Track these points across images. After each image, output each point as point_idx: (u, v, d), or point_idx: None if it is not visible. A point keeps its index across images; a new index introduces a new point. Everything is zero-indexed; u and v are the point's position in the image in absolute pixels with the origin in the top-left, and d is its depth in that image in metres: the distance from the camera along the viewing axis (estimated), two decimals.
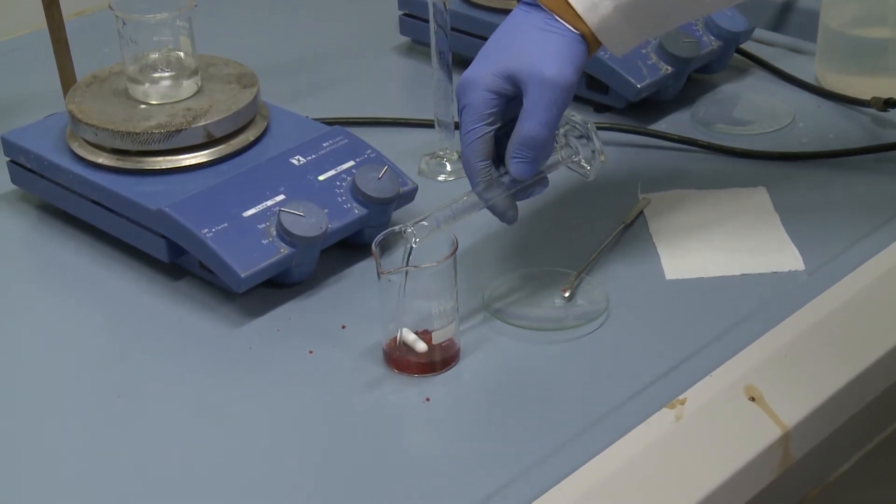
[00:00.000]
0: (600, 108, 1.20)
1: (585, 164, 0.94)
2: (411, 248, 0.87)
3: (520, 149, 0.89)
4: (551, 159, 0.92)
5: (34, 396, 0.88)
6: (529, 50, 0.89)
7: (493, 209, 0.92)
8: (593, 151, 0.94)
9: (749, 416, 0.85)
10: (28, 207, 1.09)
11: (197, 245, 0.93)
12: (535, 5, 0.91)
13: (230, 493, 0.79)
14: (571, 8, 0.90)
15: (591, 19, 0.90)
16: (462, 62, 1.26)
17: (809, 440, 0.87)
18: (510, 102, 0.90)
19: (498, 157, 0.92)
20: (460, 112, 0.91)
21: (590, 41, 0.91)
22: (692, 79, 1.23)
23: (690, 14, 0.97)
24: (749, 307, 0.93)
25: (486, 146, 0.90)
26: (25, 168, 1.05)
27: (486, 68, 0.90)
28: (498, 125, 0.90)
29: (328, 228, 0.94)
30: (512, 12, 0.92)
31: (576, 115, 0.94)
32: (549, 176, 0.94)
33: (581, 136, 0.94)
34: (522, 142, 0.89)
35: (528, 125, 0.88)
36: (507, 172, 0.91)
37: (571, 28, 0.89)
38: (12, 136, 1.06)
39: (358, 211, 0.98)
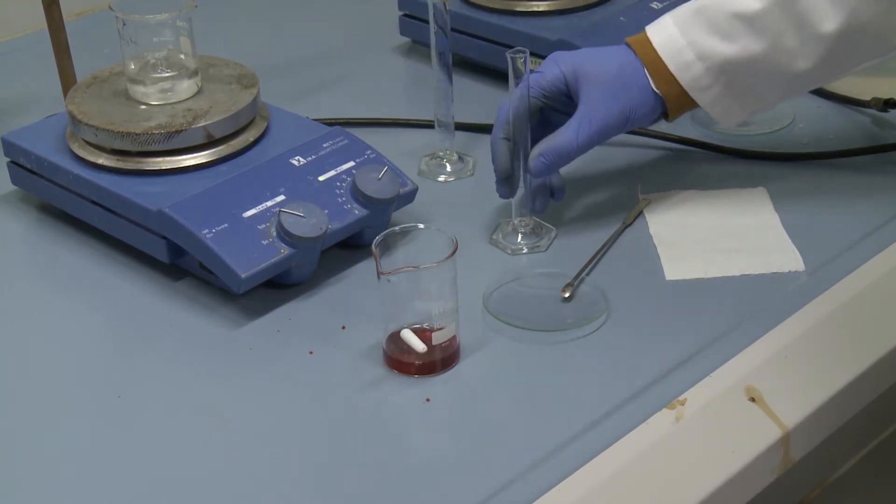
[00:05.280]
0: None
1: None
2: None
3: (546, 152, 0.98)
4: None
5: (34, 397, 0.88)
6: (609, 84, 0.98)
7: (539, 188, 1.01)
8: None
9: (749, 417, 0.85)
10: (28, 208, 1.09)
11: (197, 246, 0.93)
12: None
13: (230, 493, 0.79)
14: (664, 65, 0.98)
15: (683, 77, 0.98)
16: (462, 63, 1.27)
17: (810, 441, 0.87)
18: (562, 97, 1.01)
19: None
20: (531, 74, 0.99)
21: (672, 103, 0.99)
22: None
23: (785, 87, 1.00)
24: (749, 307, 0.93)
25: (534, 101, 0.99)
26: (25, 169, 1.05)
27: (570, 61, 1.00)
28: (544, 102, 1.01)
29: (328, 229, 0.94)
30: (619, 49, 1.01)
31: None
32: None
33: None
34: (553, 148, 0.98)
35: (565, 138, 0.98)
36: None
37: (653, 84, 0.98)
38: (12, 136, 1.06)
39: (358, 211, 0.98)
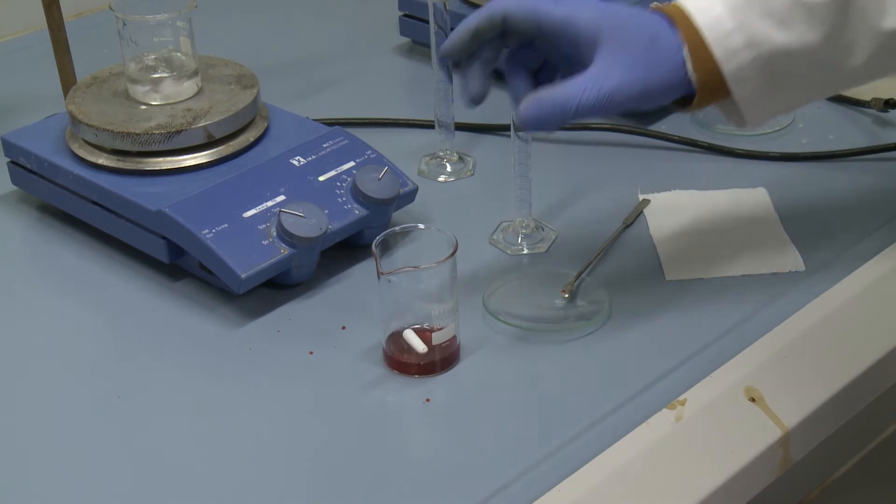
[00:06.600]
0: None
1: None
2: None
3: (541, 101, 0.84)
4: None
5: (34, 397, 0.88)
6: (632, 49, 0.83)
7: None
8: None
9: (749, 417, 0.85)
10: (28, 208, 1.09)
11: (197, 246, 0.93)
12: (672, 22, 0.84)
13: (230, 493, 0.79)
14: (707, 49, 0.83)
15: (728, 67, 0.83)
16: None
17: (809, 441, 0.87)
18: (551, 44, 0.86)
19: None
20: None
21: (702, 93, 0.84)
22: None
23: (825, 85, 0.89)
24: (749, 308, 0.93)
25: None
26: (25, 169, 1.05)
27: (595, 12, 0.84)
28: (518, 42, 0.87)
29: (328, 229, 0.94)
30: (653, 17, 0.85)
31: None
32: None
33: None
34: (550, 99, 0.83)
35: (568, 91, 0.83)
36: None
37: (689, 66, 0.83)
38: (12, 136, 1.06)
39: (358, 212, 0.98)
